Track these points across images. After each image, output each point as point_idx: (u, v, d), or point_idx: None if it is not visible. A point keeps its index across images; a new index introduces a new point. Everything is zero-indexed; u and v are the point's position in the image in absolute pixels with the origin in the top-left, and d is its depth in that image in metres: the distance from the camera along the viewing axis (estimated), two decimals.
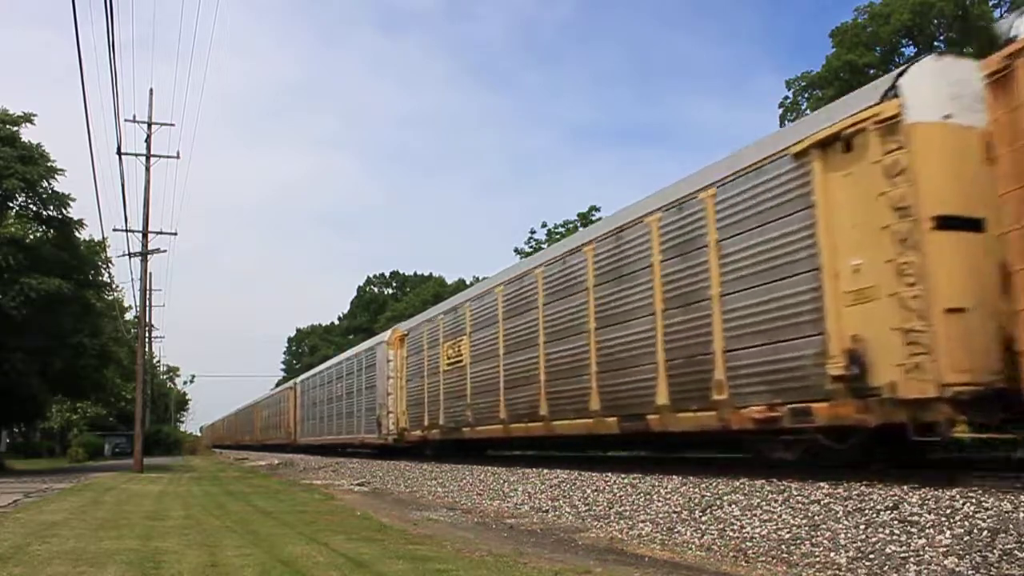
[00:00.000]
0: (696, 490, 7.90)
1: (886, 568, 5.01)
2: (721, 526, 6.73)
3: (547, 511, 9.11)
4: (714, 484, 7.87)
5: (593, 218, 39.20)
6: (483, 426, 14.71)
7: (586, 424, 11.20)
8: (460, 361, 15.85)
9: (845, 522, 5.87)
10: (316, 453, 31.23)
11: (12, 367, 22.37)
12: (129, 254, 26.97)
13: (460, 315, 16.26)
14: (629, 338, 10.21)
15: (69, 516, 9.46)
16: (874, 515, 5.80)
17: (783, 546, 5.88)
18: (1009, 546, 4.75)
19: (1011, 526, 4.95)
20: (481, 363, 14.86)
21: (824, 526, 5.95)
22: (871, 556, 5.24)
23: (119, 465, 30.07)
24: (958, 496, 5.65)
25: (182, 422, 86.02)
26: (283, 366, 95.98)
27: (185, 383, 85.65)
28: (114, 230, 44.91)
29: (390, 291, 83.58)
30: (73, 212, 24.23)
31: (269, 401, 47.11)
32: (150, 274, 36.98)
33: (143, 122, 24.69)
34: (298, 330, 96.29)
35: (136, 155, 24.33)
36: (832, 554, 5.47)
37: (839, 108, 7.67)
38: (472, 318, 15.56)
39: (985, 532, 4.99)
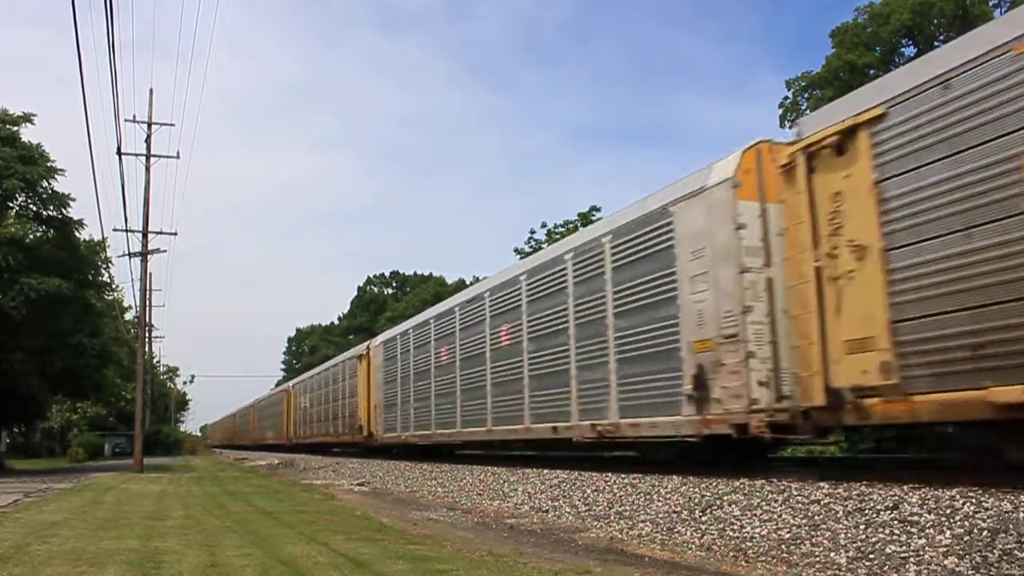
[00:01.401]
0: (696, 490, 7.90)
1: (886, 568, 5.01)
2: (721, 526, 6.73)
3: (547, 511, 9.11)
4: (714, 484, 7.87)
5: (594, 218, 39.04)
6: None
7: None
8: None
9: (845, 522, 5.87)
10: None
11: (12, 367, 22.40)
12: (129, 254, 27.04)
13: None
14: None
15: (69, 516, 9.46)
16: (874, 515, 5.80)
17: (783, 546, 5.88)
18: (1009, 546, 4.75)
19: (1011, 526, 4.94)
20: None
21: (824, 526, 5.95)
22: (871, 556, 5.24)
23: (119, 465, 30.06)
24: (958, 496, 5.65)
25: (182, 422, 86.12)
26: (283, 366, 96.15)
27: (185, 383, 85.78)
28: (114, 230, 44.94)
29: (390, 291, 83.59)
30: (73, 212, 24.33)
31: (318, 380, 31.12)
32: (150, 274, 37.00)
33: (143, 122, 24.75)
34: (298, 330, 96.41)
35: (136, 155, 24.40)
36: (832, 554, 5.47)
37: None
38: None
39: (985, 532, 4.99)
